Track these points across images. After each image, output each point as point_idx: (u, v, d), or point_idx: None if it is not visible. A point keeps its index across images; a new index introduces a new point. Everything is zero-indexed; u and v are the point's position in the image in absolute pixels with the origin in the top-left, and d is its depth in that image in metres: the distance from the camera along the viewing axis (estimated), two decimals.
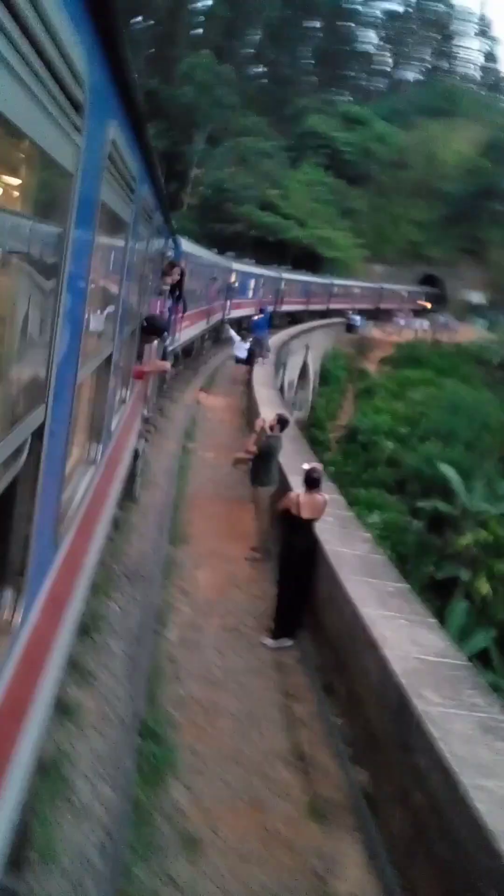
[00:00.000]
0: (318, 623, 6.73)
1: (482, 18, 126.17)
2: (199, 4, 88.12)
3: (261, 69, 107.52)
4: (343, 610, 5.87)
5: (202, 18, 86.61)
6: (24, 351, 1.92)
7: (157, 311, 9.32)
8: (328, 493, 7.72)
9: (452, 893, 3.62)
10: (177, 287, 10.86)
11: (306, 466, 7.13)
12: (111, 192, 2.89)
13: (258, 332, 21.27)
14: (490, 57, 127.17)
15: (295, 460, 8.88)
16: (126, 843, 4.25)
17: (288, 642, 6.75)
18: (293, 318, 42.58)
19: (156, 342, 8.74)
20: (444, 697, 4.39)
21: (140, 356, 7.42)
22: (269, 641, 6.74)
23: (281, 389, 29.76)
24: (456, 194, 75.80)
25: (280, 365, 27.63)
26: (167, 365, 9.95)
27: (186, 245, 17.12)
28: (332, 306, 50.69)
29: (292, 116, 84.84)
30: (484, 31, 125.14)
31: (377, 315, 56.85)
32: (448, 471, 30.81)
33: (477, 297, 69.47)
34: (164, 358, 10.24)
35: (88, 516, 3.95)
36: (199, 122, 65.81)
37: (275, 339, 26.51)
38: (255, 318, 23.10)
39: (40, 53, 1.46)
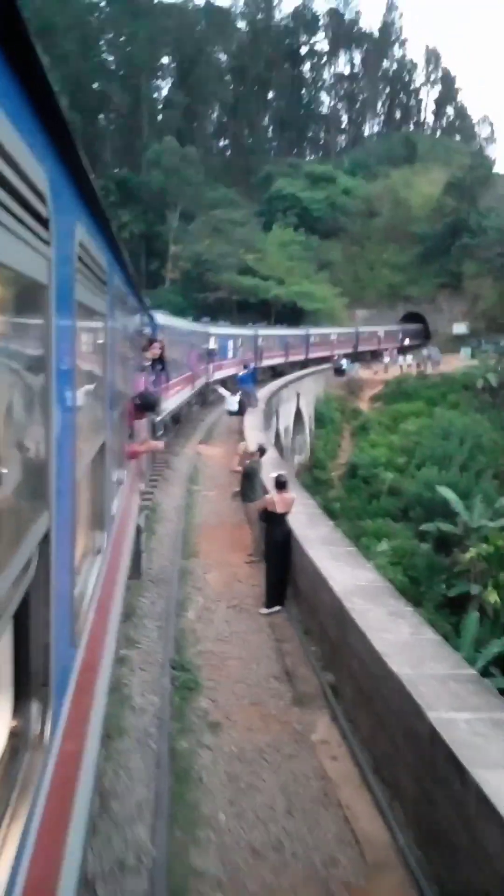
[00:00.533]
0: (297, 588, 8.85)
1: (428, 67, 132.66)
2: (157, 94, 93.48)
3: (224, 142, 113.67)
4: (308, 569, 8.01)
5: (161, 106, 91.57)
6: (24, 460, 1.98)
7: (143, 387, 9.61)
8: (303, 500, 9.91)
9: (372, 709, 5.69)
10: (158, 361, 11.30)
11: (274, 474, 9.35)
12: (85, 290, 2.98)
13: (245, 386, 23.67)
14: (441, 101, 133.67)
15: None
16: (171, 728, 6.35)
17: (277, 608, 8.87)
18: (276, 372, 44.25)
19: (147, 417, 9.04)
20: (367, 601, 6.50)
21: (131, 434, 7.82)
22: (264, 610, 8.86)
23: (277, 436, 32.00)
24: (426, 234, 78.97)
25: (272, 413, 29.85)
26: (161, 445, 9.86)
27: (162, 319, 18.39)
28: (311, 355, 52.02)
29: (260, 183, 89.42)
30: (430, 79, 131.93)
31: (361, 357, 59.21)
32: (447, 493, 32.32)
33: (459, 328, 72.00)
34: (154, 430, 10.44)
35: (102, 606, 4.02)
36: (171, 202, 69.94)
37: (264, 391, 28.82)
38: (241, 374, 25.40)
39: (5, 187, 1.56)
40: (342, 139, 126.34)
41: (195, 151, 74.24)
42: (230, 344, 37.81)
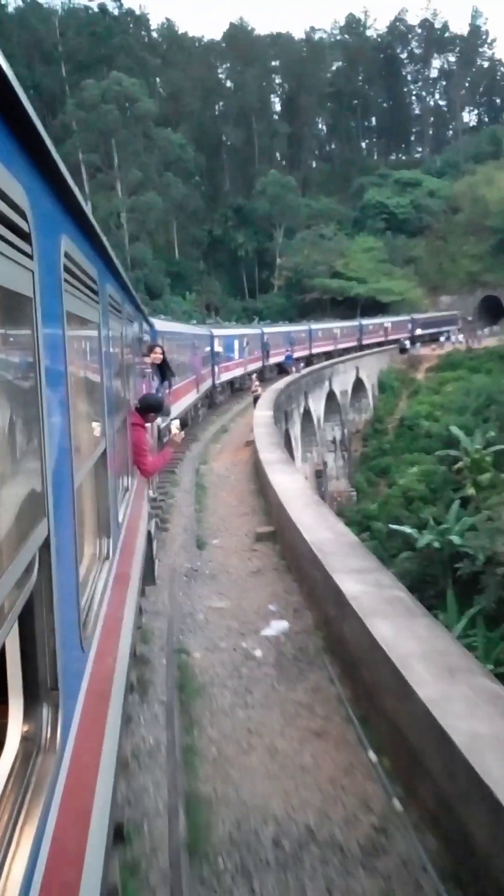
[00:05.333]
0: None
1: None
2: (264, 127, 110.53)
3: (327, 153, 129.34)
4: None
5: (269, 139, 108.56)
6: (15, 468, 2.07)
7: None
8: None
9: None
10: (161, 366, 11.52)
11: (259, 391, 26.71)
12: (73, 300, 2.97)
13: (287, 362, 41.00)
14: None
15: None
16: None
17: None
18: (280, 369, 45.00)
19: (158, 420, 9.80)
20: (264, 426, 23.70)
21: (160, 439, 9.80)
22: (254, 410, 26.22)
23: (331, 395, 48.66)
24: (500, 227, 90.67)
25: (326, 378, 46.80)
26: (182, 435, 8.90)
27: (161, 325, 18.90)
28: (315, 350, 54.97)
29: (354, 192, 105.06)
30: None
31: (362, 349, 65.58)
32: (456, 431, 47.85)
33: None
34: (159, 439, 10.69)
35: (112, 613, 4.13)
36: (276, 223, 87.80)
37: (315, 367, 45.82)
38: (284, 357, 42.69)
39: None
40: (443, 133, 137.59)
41: (293, 180, 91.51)
42: (236, 344, 38.38)
